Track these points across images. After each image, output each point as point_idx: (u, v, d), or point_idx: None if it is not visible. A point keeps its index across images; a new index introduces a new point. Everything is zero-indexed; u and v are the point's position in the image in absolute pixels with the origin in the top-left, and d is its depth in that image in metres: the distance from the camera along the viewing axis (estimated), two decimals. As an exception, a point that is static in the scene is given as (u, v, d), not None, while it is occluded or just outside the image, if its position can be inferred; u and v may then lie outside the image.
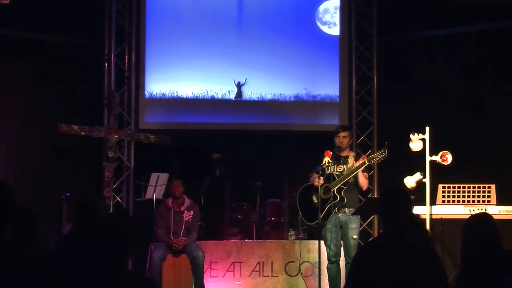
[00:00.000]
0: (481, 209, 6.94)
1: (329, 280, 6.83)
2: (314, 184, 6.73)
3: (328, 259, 6.77)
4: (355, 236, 6.70)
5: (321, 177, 6.64)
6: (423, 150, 7.02)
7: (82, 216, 4.63)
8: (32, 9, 8.85)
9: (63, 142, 8.88)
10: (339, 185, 6.66)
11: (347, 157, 6.83)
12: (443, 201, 7.28)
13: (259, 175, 8.92)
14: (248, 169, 9.02)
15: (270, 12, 9.49)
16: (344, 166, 6.77)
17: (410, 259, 3.53)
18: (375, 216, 8.86)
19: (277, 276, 7.94)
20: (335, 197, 6.66)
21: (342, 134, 6.84)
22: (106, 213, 7.92)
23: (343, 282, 6.71)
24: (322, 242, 6.73)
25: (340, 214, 6.72)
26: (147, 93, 9.28)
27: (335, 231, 6.72)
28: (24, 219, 4.38)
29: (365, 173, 6.85)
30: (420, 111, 8.94)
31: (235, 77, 9.36)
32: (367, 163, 6.67)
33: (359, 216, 6.87)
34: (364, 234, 8.68)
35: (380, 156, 6.68)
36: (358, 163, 6.65)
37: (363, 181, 6.79)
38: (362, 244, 6.94)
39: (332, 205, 6.65)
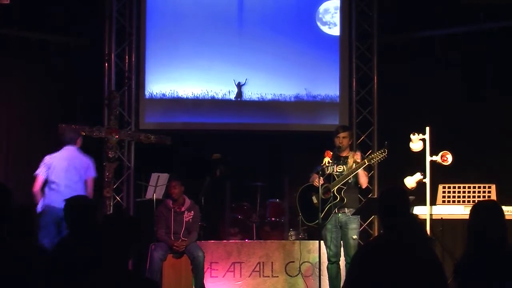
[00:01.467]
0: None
1: (329, 280, 6.83)
2: (314, 184, 6.73)
3: (328, 259, 6.78)
4: (355, 236, 6.70)
5: (321, 177, 6.64)
6: (423, 150, 7.01)
7: (82, 216, 4.63)
8: (32, 9, 8.85)
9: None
10: (338, 185, 6.66)
11: (347, 157, 6.83)
12: (443, 201, 7.27)
13: (259, 175, 8.92)
14: (248, 169, 9.01)
15: (270, 12, 9.49)
16: (344, 166, 6.77)
17: (410, 260, 3.53)
18: (375, 216, 8.86)
19: (277, 276, 7.94)
20: (335, 197, 6.66)
21: (342, 134, 6.84)
22: (106, 213, 7.93)
23: (343, 282, 6.71)
24: (322, 242, 6.74)
25: (340, 214, 6.72)
26: (147, 93, 9.28)
27: (335, 231, 6.72)
28: (21, 214, 4.38)
29: (365, 171, 6.85)
30: (420, 111, 8.94)
31: (235, 77, 9.36)
32: (367, 163, 6.67)
33: (359, 216, 6.87)
34: (364, 234, 8.68)
35: (379, 156, 6.67)
36: (357, 164, 6.65)
37: (363, 180, 6.79)
38: (362, 244, 6.94)
39: (332, 205, 6.66)
